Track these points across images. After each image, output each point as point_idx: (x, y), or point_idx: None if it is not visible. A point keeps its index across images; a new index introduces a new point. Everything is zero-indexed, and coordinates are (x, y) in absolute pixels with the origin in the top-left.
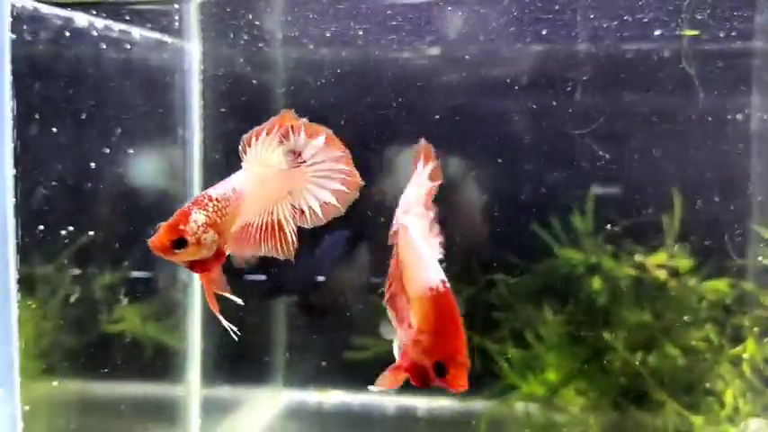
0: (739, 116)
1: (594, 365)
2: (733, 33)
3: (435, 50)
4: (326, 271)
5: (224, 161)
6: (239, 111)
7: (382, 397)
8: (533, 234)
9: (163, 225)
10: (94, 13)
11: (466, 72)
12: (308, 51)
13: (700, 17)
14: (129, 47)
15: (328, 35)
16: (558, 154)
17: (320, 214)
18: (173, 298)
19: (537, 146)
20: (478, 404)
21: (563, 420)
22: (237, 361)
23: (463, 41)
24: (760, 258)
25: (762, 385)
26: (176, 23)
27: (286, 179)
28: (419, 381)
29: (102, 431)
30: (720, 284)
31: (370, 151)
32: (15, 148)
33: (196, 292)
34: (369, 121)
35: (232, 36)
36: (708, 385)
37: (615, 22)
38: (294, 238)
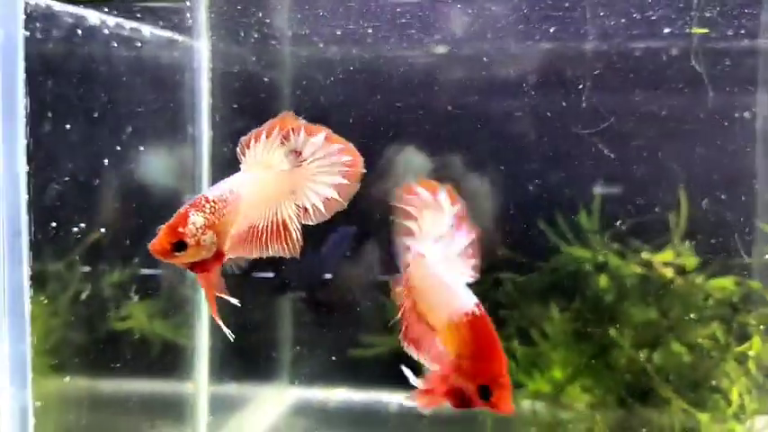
0: (746, 114)
1: (600, 363)
2: (742, 31)
3: (443, 48)
4: (333, 268)
5: (233, 159)
6: (248, 109)
7: (388, 394)
8: (540, 232)
9: (162, 228)
10: (106, 10)
11: (474, 70)
12: (317, 49)
13: (708, 15)
14: (139, 45)
15: (338, 33)
16: (565, 152)
17: (323, 210)
18: (181, 295)
19: (544, 144)
20: None
21: (569, 418)
22: (245, 358)
23: (472, 39)
24: (766, 257)
25: None
26: (189, 21)
27: (288, 179)
28: (460, 404)
29: (111, 427)
30: (727, 282)
31: (379, 148)
32: (28, 146)
33: None
34: (377, 119)
35: (241, 34)
36: (714, 383)
37: (623, 20)
38: (299, 236)
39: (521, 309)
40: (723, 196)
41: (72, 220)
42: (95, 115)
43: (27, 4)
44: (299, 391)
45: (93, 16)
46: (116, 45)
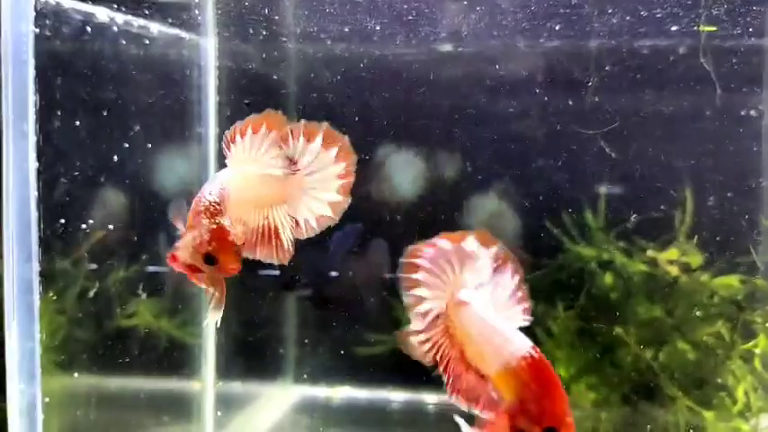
0: (753, 112)
1: (606, 361)
2: (750, 30)
3: (449, 47)
4: (339, 266)
5: None
6: (255, 106)
7: (393, 392)
8: (545, 230)
9: (208, 249)
10: (115, 7)
11: (480, 68)
12: (324, 46)
13: (716, 12)
14: (147, 42)
15: (346, 30)
16: (570, 150)
17: (315, 226)
18: (188, 293)
19: (549, 143)
20: None
21: (574, 416)
22: (251, 356)
23: (478, 36)
24: None
25: None
26: (197, 18)
27: (281, 187)
28: None
29: (118, 424)
30: (732, 280)
31: (385, 146)
32: (38, 142)
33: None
34: (383, 116)
35: (249, 32)
36: (719, 381)
37: (629, 18)
38: (290, 246)
39: None
40: (729, 194)
41: (80, 216)
42: (104, 112)
43: (37, 1)
44: (303, 388)
45: (101, 13)
46: (124, 42)
